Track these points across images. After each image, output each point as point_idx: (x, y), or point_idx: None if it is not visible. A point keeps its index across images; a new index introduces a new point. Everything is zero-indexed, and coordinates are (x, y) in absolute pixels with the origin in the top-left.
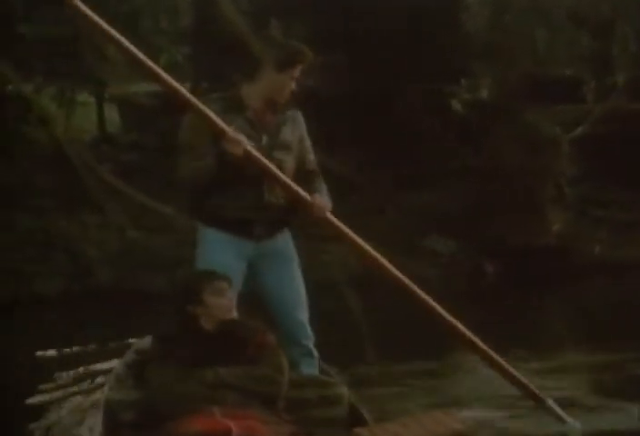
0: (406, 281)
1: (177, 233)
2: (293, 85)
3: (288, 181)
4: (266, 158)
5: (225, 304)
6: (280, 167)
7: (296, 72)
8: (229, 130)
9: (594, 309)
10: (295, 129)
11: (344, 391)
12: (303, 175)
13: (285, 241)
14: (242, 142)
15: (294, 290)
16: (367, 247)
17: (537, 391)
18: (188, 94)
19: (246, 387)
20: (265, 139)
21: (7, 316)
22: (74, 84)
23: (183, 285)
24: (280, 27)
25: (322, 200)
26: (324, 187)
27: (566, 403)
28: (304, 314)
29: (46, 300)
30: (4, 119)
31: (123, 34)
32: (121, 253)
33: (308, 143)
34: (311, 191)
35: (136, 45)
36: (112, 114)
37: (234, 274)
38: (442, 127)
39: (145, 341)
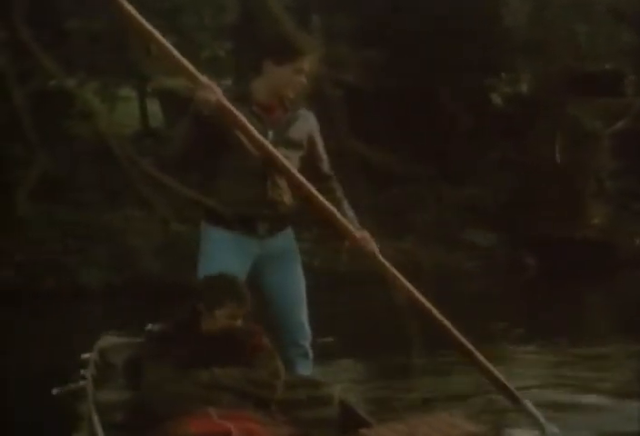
0: (441, 318)
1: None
2: (302, 80)
3: (295, 172)
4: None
5: (232, 325)
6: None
7: (301, 65)
8: (202, 77)
9: (634, 301)
10: (306, 129)
11: (334, 391)
12: (318, 180)
13: (288, 240)
14: (215, 89)
15: (296, 290)
16: (409, 285)
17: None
18: (167, 45)
19: (242, 389)
20: (270, 134)
21: (49, 307)
22: (116, 78)
23: (203, 290)
24: (321, 23)
25: (367, 235)
26: (344, 199)
27: (613, 393)
28: (304, 315)
29: (89, 292)
30: (47, 114)
31: (165, 29)
32: (164, 246)
33: (321, 145)
34: (332, 200)
35: (178, 41)
36: (154, 109)
37: (237, 274)
38: (482, 121)
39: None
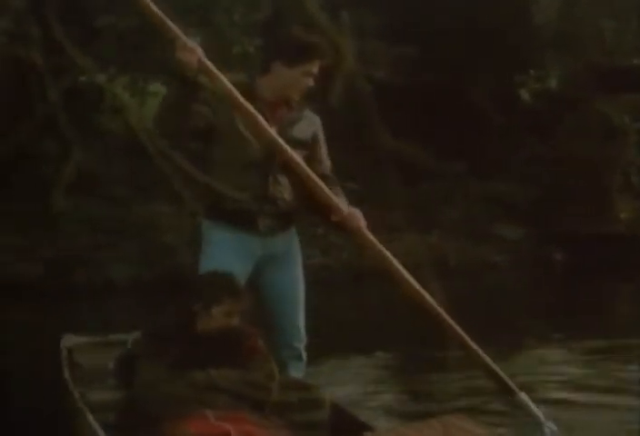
0: (427, 296)
1: None
2: (309, 82)
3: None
4: (271, 149)
5: (230, 323)
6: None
7: (311, 68)
8: (184, 37)
9: None
10: (310, 129)
11: (325, 394)
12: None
13: (291, 241)
14: (196, 50)
15: (294, 292)
16: (397, 263)
17: (515, 387)
18: (160, 14)
19: (238, 391)
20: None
21: (80, 302)
22: (146, 74)
23: (200, 288)
24: (351, 20)
25: (355, 211)
26: (342, 195)
27: None
28: (300, 317)
29: (119, 287)
30: (77, 109)
31: (196, 25)
32: (195, 240)
33: (324, 148)
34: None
35: (210, 37)
36: None
37: (238, 276)
38: (511, 117)
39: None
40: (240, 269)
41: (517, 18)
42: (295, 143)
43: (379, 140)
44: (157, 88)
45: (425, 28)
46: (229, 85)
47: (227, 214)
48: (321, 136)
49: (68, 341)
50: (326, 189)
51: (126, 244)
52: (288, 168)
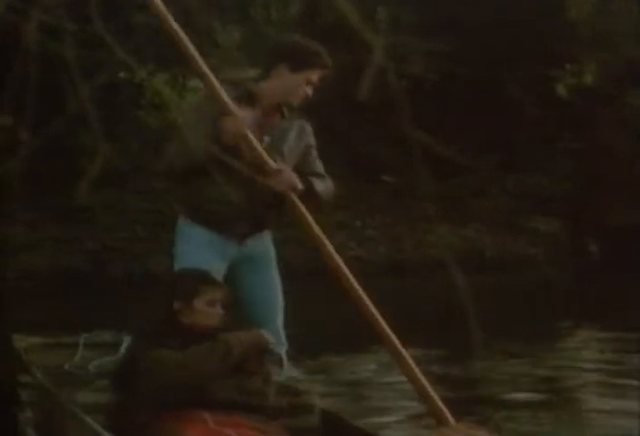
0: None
1: None
2: (308, 90)
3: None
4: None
5: (214, 314)
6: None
7: (313, 76)
8: (234, 105)
9: None
10: (302, 139)
11: (315, 399)
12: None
13: (266, 243)
14: (245, 121)
15: (271, 293)
16: (323, 238)
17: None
18: (202, 65)
19: (234, 398)
20: (266, 140)
21: (119, 295)
22: (185, 70)
23: (176, 285)
24: (387, 15)
25: (290, 173)
26: (325, 179)
27: None
28: (279, 320)
29: (159, 279)
30: (117, 104)
31: (235, 23)
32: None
33: (315, 154)
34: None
35: (248, 34)
36: None
37: (214, 273)
38: (547, 111)
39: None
40: (215, 267)
41: (553, 13)
42: (285, 153)
43: (413, 134)
44: (196, 84)
45: (460, 24)
46: (264, 154)
47: (205, 217)
48: (312, 143)
49: (20, 341)
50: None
51: (166, 237)
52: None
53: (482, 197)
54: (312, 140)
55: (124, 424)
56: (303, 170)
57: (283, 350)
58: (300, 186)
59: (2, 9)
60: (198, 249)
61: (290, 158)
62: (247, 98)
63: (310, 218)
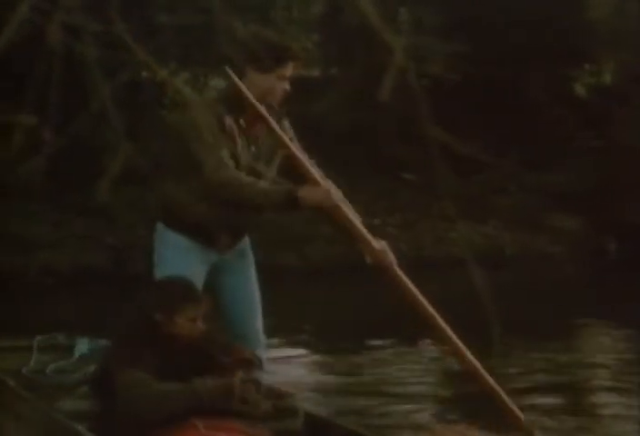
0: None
1: (306, 212)
2: (285, 86)
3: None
4: (249, 169)
5: (194, 328)
6: (259, 179)
7: (285, 72)
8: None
9: None
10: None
11: (299, 402)
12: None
13: (244, 246)
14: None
15: (250, 295)
16: (430, 307)
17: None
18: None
19: (223, 406)
20: (252, 149)
21: (139, 291)
22: (206, 69)
23: (157, 297)
24: (409, 17)
25: (386, 247)
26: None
27: None
28: (259, 322)
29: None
30: (140, 103)
31: (256, 23)
32: (249, 230)
33: (299, 154)
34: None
35: (270, 33)
36: None
37: (196, 281)
38: (566, 110)
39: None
40: (195, 273)
41: (572, 13)
42: (271, 157)
43: (433, 133)
44: (218, 83)
45: (480, 24)
46: (364, 231)
47: (186, 227)
48: (295, 144)
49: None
50: (360, 226)
51: None
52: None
53: (502, 195)
54: (294, 140)
55: (110, 431)
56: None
57: (263, 352)
58: (395, 262)
59: (25, 10)
60: (178, 254)
61: (274, 161)
62: (236, 110)
63: (414, 289)
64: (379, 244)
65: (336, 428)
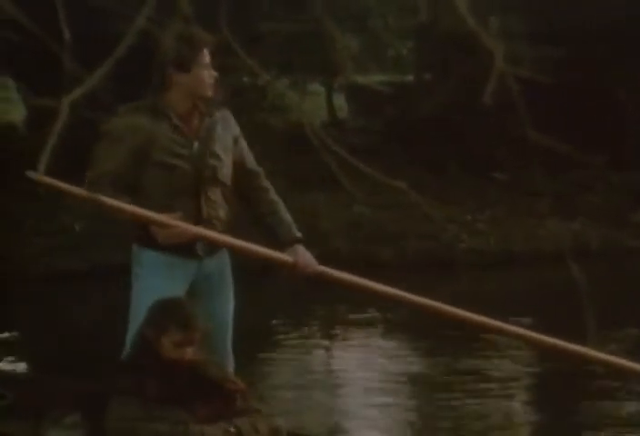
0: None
1: (401, 209)
2: (212, 73)
3: (261, 250)
4: (199, 166)
5: (182, 354)
6: (215, 174)
7: (204, 60)
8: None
9: None
10: (228, 130)
11: (281, 422)
12: (242, 176)
13: (223, 259)
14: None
15: (226, 314)
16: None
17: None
18: None
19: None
20: (195, 146)
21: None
22: (305, 75)
23: (148, 315)
24: (500, 25)
25: (304, 255)
26: (279, 201)
27: None
28: (229, 341)
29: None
30: (241, 107)
31: (353, 31)
32: (350, 227)
33: (244, 142)
34: (268, 203)
35: (366, 41)
36: (339, 102)
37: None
38: None
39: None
40: (174, 292)
41: None
42: (220, 151)
43: (526, 134)
44: (316, 88)
45: (571, 30)
46: (272, 253)
47: (160, 243)
48: (238, 132)
49: None
50: (262, 249)
51: None
52: (219, 183)
53: (589, 193)
54: (237, 129)
55: None
56: (243, 167)
57: (232, 371)
58: (318, 268)
59: (143, 22)
60: (153, 275)
61: (226, 157)
62: (160, 113)
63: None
64: (292, 255)
65: None
